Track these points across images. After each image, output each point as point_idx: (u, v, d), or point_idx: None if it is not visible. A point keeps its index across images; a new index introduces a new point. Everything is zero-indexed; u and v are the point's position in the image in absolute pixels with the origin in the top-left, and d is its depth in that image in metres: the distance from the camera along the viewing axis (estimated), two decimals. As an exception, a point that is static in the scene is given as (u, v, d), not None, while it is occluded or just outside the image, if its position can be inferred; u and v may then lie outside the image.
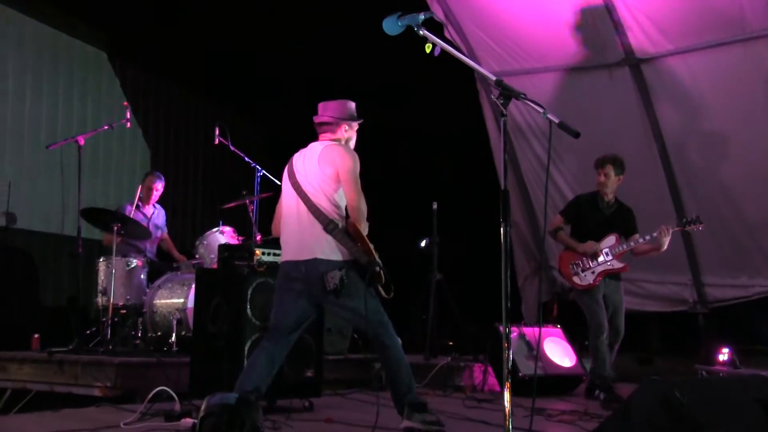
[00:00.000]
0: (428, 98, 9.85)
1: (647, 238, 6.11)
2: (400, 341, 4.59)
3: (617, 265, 6.17)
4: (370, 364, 7.10)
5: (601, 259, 6.14)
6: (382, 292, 4.51)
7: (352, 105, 4.78)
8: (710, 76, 7.62)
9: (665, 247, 6.10)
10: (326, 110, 4.72)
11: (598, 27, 7.77)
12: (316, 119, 4.73)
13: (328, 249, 4.38)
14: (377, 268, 4.39)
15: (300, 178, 4.54)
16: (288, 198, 4.60)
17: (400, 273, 8.96)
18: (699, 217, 6.23)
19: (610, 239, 6.20)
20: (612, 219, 6.30)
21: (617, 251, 6.15)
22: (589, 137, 8.13)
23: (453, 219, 8.22)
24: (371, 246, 4.42)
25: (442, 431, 4.43)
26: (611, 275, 6.21)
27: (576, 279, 6.18)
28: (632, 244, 6.16)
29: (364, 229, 4.43)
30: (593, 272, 6.15)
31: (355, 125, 4.78)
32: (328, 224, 4.38)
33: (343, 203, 4.51)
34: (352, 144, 4.77)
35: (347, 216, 4.49)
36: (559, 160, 8.89)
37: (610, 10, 7.56)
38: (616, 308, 6.23)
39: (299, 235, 4.47)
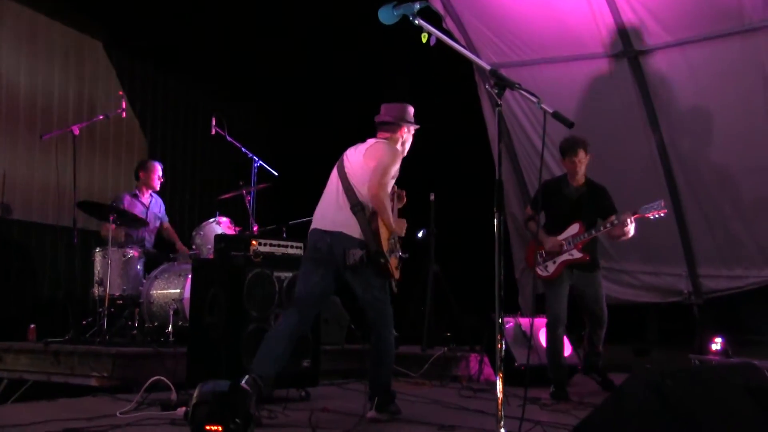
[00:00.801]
0: (426, 89, 9.85)
1: (608, 226, 5.86)
2: (395, 335, 4.84)
3: (576, 255, 5.94)
4: (367, 354, 7.11)
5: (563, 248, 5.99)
6: (393, 286, 4.83)
7: (412, 110, 5.09)
8: (708, 68, 7.61)
9: (631, 234, 5.85)
10: (389, 111, 5.02)
11: (597, 18, 7.76)
12: (378, 119, 5.02)
13: (353, 226, 4.68)
14: (381, 260, 4.63)
15: (346, 162, 4.88)
16: (331, 179, 4.92)
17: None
18: (662, 203, 5.88)
19: (574, 227, 5.99)
20: (579, 203, 6.06)
21: (578, 240, 5.94)
22: (588, 129, 8.18)
23: (450, 210, 8.21)
24: (384, 243, 4.67)
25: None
26: (581, 266, 6.02)
27: (539, 270, 6.08)
28: (593, 232, 5.92)
29: (386, 217, 4.70)
30: (554, 262, 6.00)
31: (413, 129, 5.07)
32: (354, 204, 4.69)
33: None
34: (407, 147, 5.06)
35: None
36: (559, 155, 8.85)
37: (609, 1, 7.55)
38: (591, 297, 6.04)
39: (331, 209, 4.79)
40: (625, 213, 5.84)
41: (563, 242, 5.98)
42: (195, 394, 3.34)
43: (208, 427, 3.21)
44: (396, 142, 4.96)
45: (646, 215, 5.82)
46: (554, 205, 6.14)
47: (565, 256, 5.97)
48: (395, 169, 4.79)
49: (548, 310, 6.08)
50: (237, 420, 3.23)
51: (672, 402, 2.91)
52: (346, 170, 4.82)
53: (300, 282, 4.80)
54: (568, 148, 6.10)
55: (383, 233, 4.66)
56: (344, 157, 4.93)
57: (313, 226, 4.83)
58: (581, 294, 6.10)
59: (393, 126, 4.97)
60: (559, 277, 6.00)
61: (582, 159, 6.04)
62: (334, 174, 4.90)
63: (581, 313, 6.23)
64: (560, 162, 8.64)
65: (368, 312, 4.77)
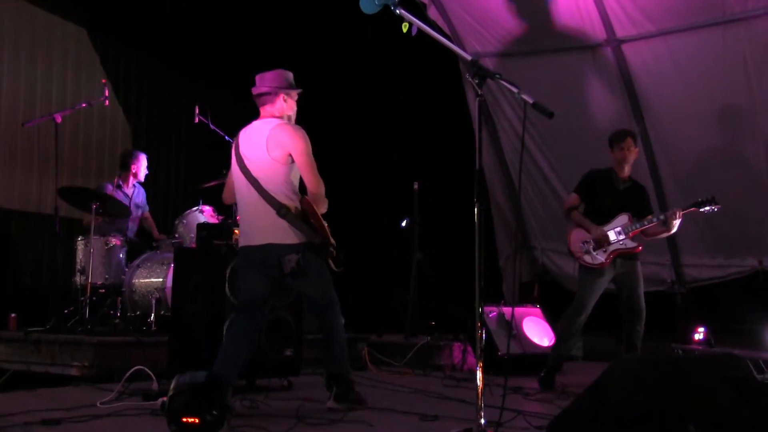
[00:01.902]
0: (411, 79, 9.82)
1: (661, 218, 5.80)
2: (343, 321, 4.76)
3: (630, 244, 5.85)
4: (352, 343, 7.11)
5: (613, 238, 5.86)
6: (333, 266, 4.60)
7: (290, 74, 4.76)
8: (691, 58, 7.63)
9: (675, 230, 5.83)
10: (263, 81, 4.71)
11: (581, 8, 7.76)
12: (255, 90, 4.71)
13: (282, 233, 4.41)
14: (331, 249, 4.49)
15: (249, 163, 4.53)
16: (240, 183, 4.59)
17: (381, 253, 9.04)
18: (714, 198, 5.84)
19: (623, 218, 5.89)
20: (627, 196, 5.99)
21: (630, 230, 5.84)
22: (572, 119, 8.23)
23: (434, 199, 8.22)
24: (325, 224, 4.50)
25: (362, 407, 4.71)
26: (626, 256, 5.89)
27: (587, 258, 5.89)
28: (645, 223, 5.83)
29: (322, 207, 4.53)
30: (605, 251, 5.85)
31: (294, 94, 4.77)
32: (279, 209, 4.40)
33: (296, 182, 4.55)
34: (294, 114, 4.77)
35: (302, 195, 4.53)
36: (545, 145, 8.92)
37: (592, -10, 7.56)
38: (633, 288, 5.91)
39: (254, 222, 4.51)
40: (674, 208, 5.83)
41: (609, 232, 5.87)
42: (172, 386, 3.32)
43: (184, 419, 3.19)
44: (283, 116, 4.67)
45: (700, 210, 5.83)
46: (602, 195, 6.02)
47: (617, 246, 5.85)
48: (307, 140, 4.54)
49: (579, 296, 5.95)
50: (214, 412, 3.21)
51: (652, 391, 2.93)
52: (253, 174, 4.48)
53: (242, 286, 4.67)
54: (616, 137, 6.03)
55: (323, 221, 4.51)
56: (242, 156, 4.56)
57: (242, 243, 4.57)
58: (622, 285, 5.96)
59: (271, 96, 4.66)
60: (607, 268, 5.87)
61: (630, 147, 5.95)
62: (240, 177, 4.55)
63: (620, 306, 6.02)
64: (551, 157, 8.77)
65: (317, 303, 4.66)
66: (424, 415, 4.46)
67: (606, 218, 5.94)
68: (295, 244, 4.41)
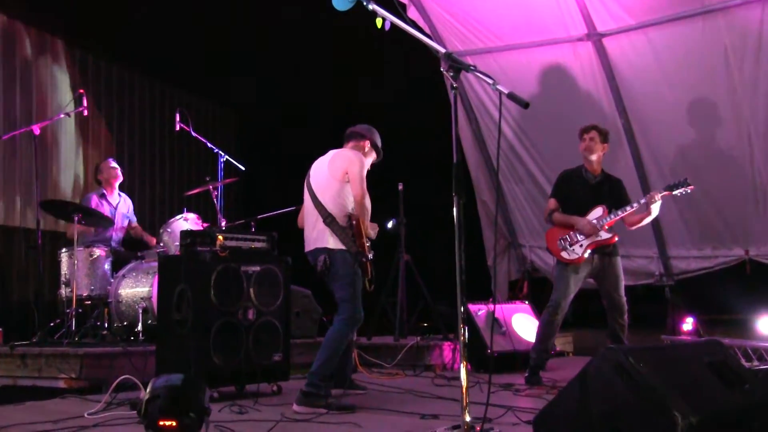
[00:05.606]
0: (394, 77, 9.82)
1: (635, 205, 5.79)
2: (350, 337, 5.19)
3: (605, 236, 5.83)
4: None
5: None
6: (366, 285, 5.08)
7: (379, 137, 5.42)
8: (671, 50, 7.63)
9: (656, 213, 5.82)
10: (361, 126, 5.42)
11: (560, 3, 7.76)
12: (349, 129, 5.41)
13: (324, 238, 4.97)
14: (363, 259, 4.98)
15: (312, 180, 5.17)
16: (305, 198, 5.22)
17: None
18: (687, 179, 5.84)
19: (597, 211, 5.87)
20: (599, 189, 5.98)
21: (604, 222, 5.81)
22: (555, 114, 8.23)
23: (419, 199, 8.19)
24: (366, 243, 5.01)
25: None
26: (604, 252, 5.88)
27: (564, 254, 5.88)
28: (620, 213, 5.81)
29: (364, 213, 5.04)
30: (581, 245, 5.83)
31: (373, 154, 5.39)
32: (326, 217, 4.96)
33: (348, 200, 5.03)
34: (367, 164, 5.27)
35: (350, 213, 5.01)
36: (530, 142, 8.92)
37: (571, -15, 7.56)
38: (612, 284, 5.89)
39: (309, 228, 5.12)
40: (652, 192, 5.86)
41: (595, 222, 5.84)
42: (148, 389, 3.28)
43: (161, 423, 3.14)
44: (360, 150, 5.27)
45: (674, 193, 5.82)
46: (575, 191, 6.03)
47: (593, 238, 5.82)
48: (366, 170, 5.12)
49: (555, 294, 5.93)
50: (191, 414, 3.16)
51: (636, 380, 2.92)
52: (313, 186, 5.11)
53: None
54: (582, 130, 6.09)
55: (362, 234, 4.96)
56: (310, 171, 5.23)
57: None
58: (602, 280, 5.94)
59: (358, 139, 5.33)
60: (583, 262, 5.85)
61: (594, 138, 5.97)
62: (305, 191, 5.18)
63: (601, 301, 6.01)
64: (533, 152, 8.78)
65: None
66: (423, 415, 4.42)
67: (581, 213, 5.93)
68: (330, 249, 4.92)
